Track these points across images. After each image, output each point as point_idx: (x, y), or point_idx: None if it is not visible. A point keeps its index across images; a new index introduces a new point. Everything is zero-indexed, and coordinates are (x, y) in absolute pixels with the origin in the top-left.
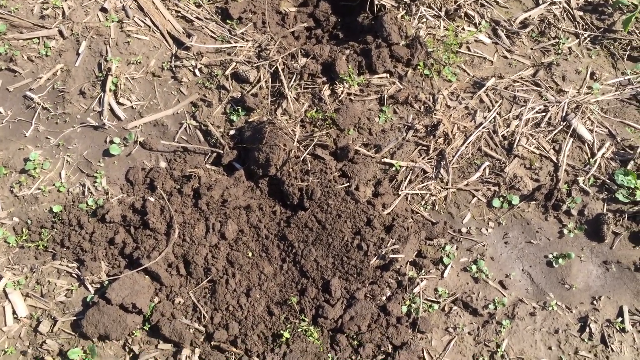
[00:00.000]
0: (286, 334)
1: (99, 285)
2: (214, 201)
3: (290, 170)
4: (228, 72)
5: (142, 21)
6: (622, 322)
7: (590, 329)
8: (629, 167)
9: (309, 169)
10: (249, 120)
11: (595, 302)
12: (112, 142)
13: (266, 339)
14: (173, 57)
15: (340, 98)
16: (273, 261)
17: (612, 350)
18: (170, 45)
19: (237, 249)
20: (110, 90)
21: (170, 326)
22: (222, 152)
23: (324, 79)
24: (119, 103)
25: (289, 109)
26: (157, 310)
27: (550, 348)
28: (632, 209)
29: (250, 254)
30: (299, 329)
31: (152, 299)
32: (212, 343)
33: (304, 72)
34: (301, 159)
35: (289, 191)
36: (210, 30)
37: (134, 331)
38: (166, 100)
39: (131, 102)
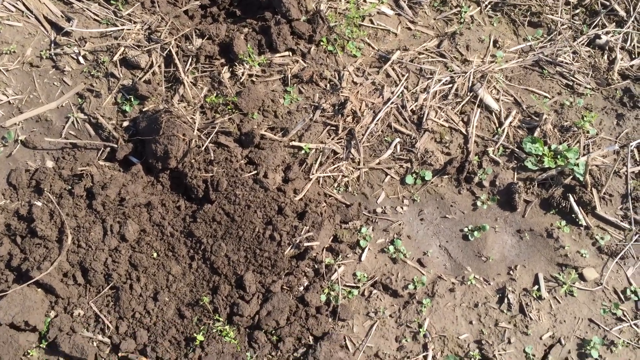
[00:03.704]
0: (200, 337)
1: None
2: (110, 201)
3: (193, 161)
4: (116, 58)
5: (14, 5)
6: (539, 289)
7: (508, 299)
8: (535, 134)
9: (213, 158)
10: (144, 109)
11: (511, 272)
12: None
13: (179, 344)
14: (52, 45)
15: (241, 80)
16: (181, 260)
17: (531, 319)
18: (48, 32)
19: (140, 251)
20: None
21: (70, 341)
22: (116, 146)
23: (223, 60)
24: None
25: (186, 95)
26: (54, 326)
27: (471, 323)
28: (541, 176)
29: (155, 255)
30: (214, 330)
31: (48, 313)
32: (119, 355)
33: (200, 54)
34: (203, 148)
35: (193, 184)
36: (93, 13)
37: (29, 351)
38: (48, 93)
39: (7, 97)
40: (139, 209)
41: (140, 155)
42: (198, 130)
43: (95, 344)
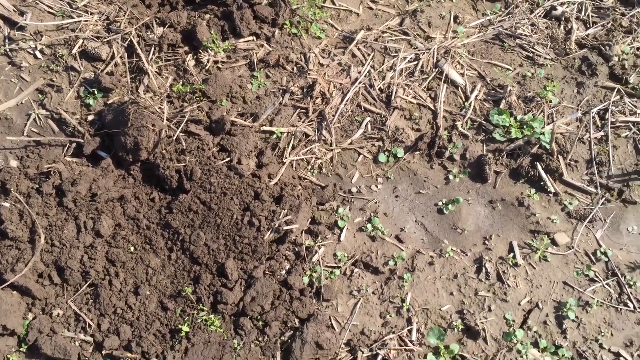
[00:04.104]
0: (185, 328)
1: None
2: (81, 197)
3: (164, 151)
4: (75, 50)
5: None
6: (514, 257)
7: (485, 269)
8: (501, 106)
9: (185, 147)
10: (109, 102)
11: (487, 241)
12: None
13: (163, 337)
14: (6, 40)
15: (207, 67)
16: (159, 252)
17: (509, 286)
18: (1, 27)
19: (116, 246)
20: None
21: (52, 343)
22: (82, 141)
23: (186, 48)
24: None
25: (151, 85)
26: (33, 328)
27: (451, 294)
28: (509, 146)
29: (132, 249)
30: (199, 320)
31: (26, 316)
32: (104, 352)
33: (163, 43)
34: (174, 138)
35: (166, 174)
36: (47, 5)
37: (8, 356)
38: (6, 90)
39: None
40: (112, 204)
41: (109, 149)
42: (167, 120)
43: (77, 343)
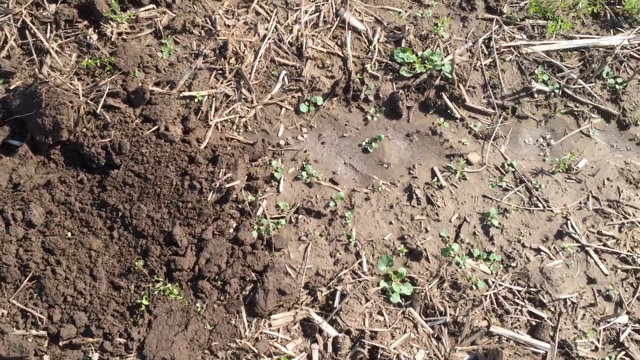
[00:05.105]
0: (144, 302)
1: None
2: (2, 189)
3: (84, 129)
4: None
5: None
6: (438, 180)
7: (416, 195)
8: (402, 45)
9: (108, 122)
10: (11, 87)
11: (411, 171)
12: None
13: (122, 315)
14: None
15: (112, 40)
16: (99, 233)
17: (439, 207)
18: None
19: (52, 234)
20: None
21: (4, 343)
22: None
23: (86, 22)
24: None
25: (55, 64)
26: None
27: (390, 223)
28: (415, 81)
29: (69, 234)
30: (156, 292)
31: None
32: (61, 343)
33: (60, 20)
34: (93, 114)
35: (92, 152)
36: None
37: None
38: None
39: None
40: (38, 192)
41: (21, 137)
42: (83, 96)
43: (30, 340)
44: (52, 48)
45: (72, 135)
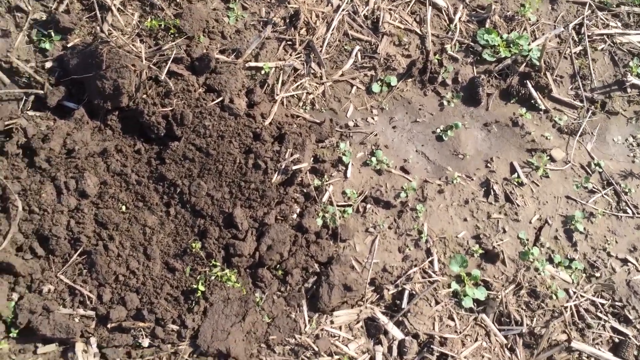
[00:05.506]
0: (201, 287)
1: None
2: (55, 155)
3: (145, 96)
4: None
5: None
6: (518, 177)
7: (493, 191)
8: (487, 25)
9: (171, 89)
10: (69, 45)
11: (489, 164)
12: None
13: (177, 300)
14: None
15: (176, 1)
16: (155, 209)
17: (518, 206)
18: None
19: (105, 206)
20: None
21: (50, 322)
22: (42, 92)
23: None
24: None
25: (117, 24)
26: (23, 309)
27: (465, 220)
28: (497, 67)
29: (124, 208)
30: (212, 277)
31: (10, 296)
32: (110, 325)
33: None
34: (156, 79)
35: (152, 121)
36: None
37: None
38: None
39: None
40: (93, 160)
41: (77, 99)
42: (146, 59)
43: (77, 319)
44: (115, 5)
45: (132, 102)
